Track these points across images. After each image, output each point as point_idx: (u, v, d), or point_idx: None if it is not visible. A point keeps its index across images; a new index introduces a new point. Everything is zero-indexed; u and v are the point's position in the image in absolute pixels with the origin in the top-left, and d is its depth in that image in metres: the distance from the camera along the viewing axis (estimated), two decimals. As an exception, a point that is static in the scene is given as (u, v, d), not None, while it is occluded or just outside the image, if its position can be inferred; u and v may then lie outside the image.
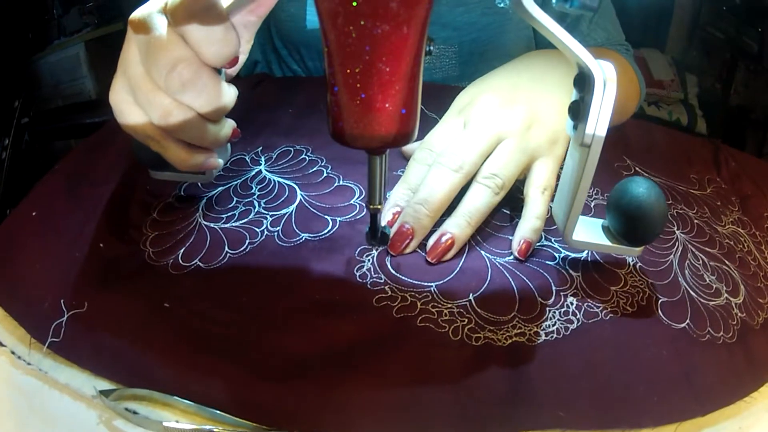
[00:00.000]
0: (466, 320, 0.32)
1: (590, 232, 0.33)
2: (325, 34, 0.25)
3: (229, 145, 0.36)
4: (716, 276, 0.37)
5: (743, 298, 0.36)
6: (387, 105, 0.26)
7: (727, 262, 0.39)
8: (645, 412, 0.28)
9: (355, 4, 0.23)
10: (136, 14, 0.28)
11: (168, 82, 0.28)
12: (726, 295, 0.36)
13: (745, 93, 1.35)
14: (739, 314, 0.35)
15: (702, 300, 0.35)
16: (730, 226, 0.43)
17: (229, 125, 0.33)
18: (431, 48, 0.27)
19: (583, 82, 0.29)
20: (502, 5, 0.55)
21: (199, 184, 0.40)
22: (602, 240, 0.33)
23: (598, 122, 0.28)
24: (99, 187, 0.40)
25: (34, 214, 0.38)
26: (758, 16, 1.26)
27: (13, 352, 0.31)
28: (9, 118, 1.05)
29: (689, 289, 0.36)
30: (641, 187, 0.31)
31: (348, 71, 0.25)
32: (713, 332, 0.33)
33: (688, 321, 0.33)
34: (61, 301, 0.32)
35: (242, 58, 0.33)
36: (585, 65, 0.28)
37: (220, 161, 0.34)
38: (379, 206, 0.32)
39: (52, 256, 0.35)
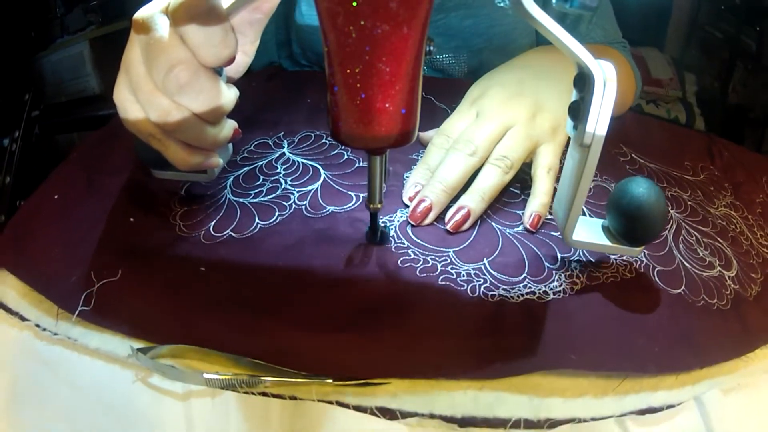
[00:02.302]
0: (482, 280, 0.34)
1: (590, 232, 0.34)
2: (325, 34, 0.25)
3: (230, 145, 0.37)
4: (709, 251, 0.40)
5: (736, 271, 0.39)
6: (387, 105, 0.26)
7: (719, 239, 0.41)
8: (648, 361, 0.31)
9: (355, 4, 0.23)
10: (139, 14, 0.28)
11: (166, 84, 0.28)
12: (719, 267, 0.39)
13: (743, 92, 1.36)
14: (733, 285, 0.37)
15: (696, 271, 0.38)
16: (723, 209, 0.46)
17: (229, 126, 0.33)
18: (431, 48, 0.27)
19: (583, 82, 0.29)
20: (501, 4, 0.58)
21: (224, 164, 0.42)
22: (602, 240, 0.34)
23: (598, 122, 0.28)
24: (115, 176, 0.42)
25: (56, 197, 0.39)
26: (757, 16, 1.28)
27: (37, 325, 0.32)
28: (19, 110, 1.06)
29: (683, 261, 0.38)
30: (641, 187, 0.32)
31: (348, 71, 0.25)
32: (708, 299, 0.36)
33: (683, 288, 0.36)
34: (91, 272, 0.33)
35: (246, 60, 0.34)
36: (585, 65, 0.28)
37: (221, 161, 0.34)
38: (379, 206, 0.33)
39: (76, 235, 0.36)
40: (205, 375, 0.28)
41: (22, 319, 0.32)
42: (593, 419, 0.29)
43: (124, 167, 0.42)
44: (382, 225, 0.36)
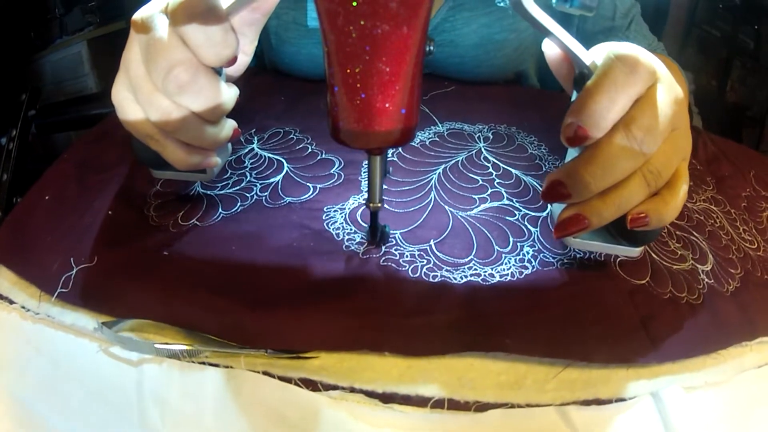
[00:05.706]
0: (425, 261, 0.35)
1: (589, 232, 0.33)
2: (325, 34, 0.25)
3: (229, 144, 0.37)
4: (682, 244, 0.39)
5: (712, 266, 0.38)
6: (387, 105, 0.27)
7: (695, 233, 0.41)
8: (596, 350, 0.30)
9: (355, 4, 0.24)
10: (139, 14, 0.28)
11: (165, 85, 0.28)
12: (692, 261, 0.37)
13: (741, 90, 1.36)
14: (707, 280, 0.36)
15: (665, 263, 0.37)
16: (702, 203, 0.45)
17: (229, 126, 0.33)
18: (431, 48, 0.27)
19: (583, 82, 0.29)
20: (501, 4, 0.57)
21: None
22: (602, 240, 0.33)
23: None
24: (103, 173, 0.43)
25: (47, 198, 0.41)
26: (755, 15, 1.27)
27: (23, 307, 0.34)
28: (16, 110, 1.08)
29: (650, 252, 0.37)
30: None
31: (348, 71, 0.26)
32: (676, 292, 0.35)
33: (648, 279, 0.35)
34: (71, 259, 0.35)
35: (245, 60, 0.34)
36: (584, 65, 0.28)
37: (219, 160, 0.35)
38: (379, 205, 0.33)
39: (63, 229, 0.38)
40: (156, 345, 0.31)
41: (11, 302, 0.35)
42: (529, 405, 0.28)
43: (113, 165, 0.44)
44: (381, 225, 0.36)
